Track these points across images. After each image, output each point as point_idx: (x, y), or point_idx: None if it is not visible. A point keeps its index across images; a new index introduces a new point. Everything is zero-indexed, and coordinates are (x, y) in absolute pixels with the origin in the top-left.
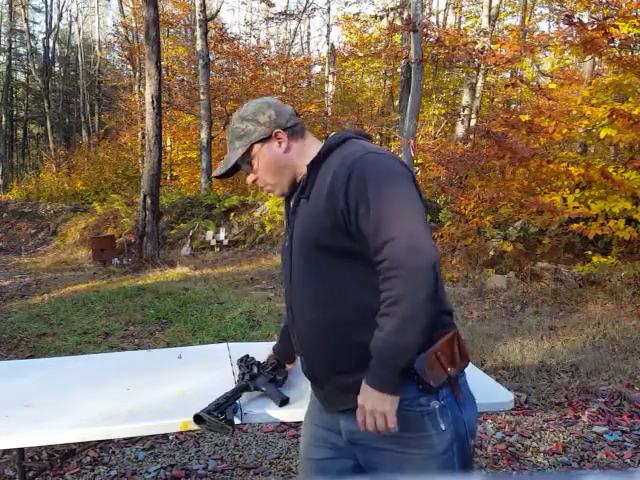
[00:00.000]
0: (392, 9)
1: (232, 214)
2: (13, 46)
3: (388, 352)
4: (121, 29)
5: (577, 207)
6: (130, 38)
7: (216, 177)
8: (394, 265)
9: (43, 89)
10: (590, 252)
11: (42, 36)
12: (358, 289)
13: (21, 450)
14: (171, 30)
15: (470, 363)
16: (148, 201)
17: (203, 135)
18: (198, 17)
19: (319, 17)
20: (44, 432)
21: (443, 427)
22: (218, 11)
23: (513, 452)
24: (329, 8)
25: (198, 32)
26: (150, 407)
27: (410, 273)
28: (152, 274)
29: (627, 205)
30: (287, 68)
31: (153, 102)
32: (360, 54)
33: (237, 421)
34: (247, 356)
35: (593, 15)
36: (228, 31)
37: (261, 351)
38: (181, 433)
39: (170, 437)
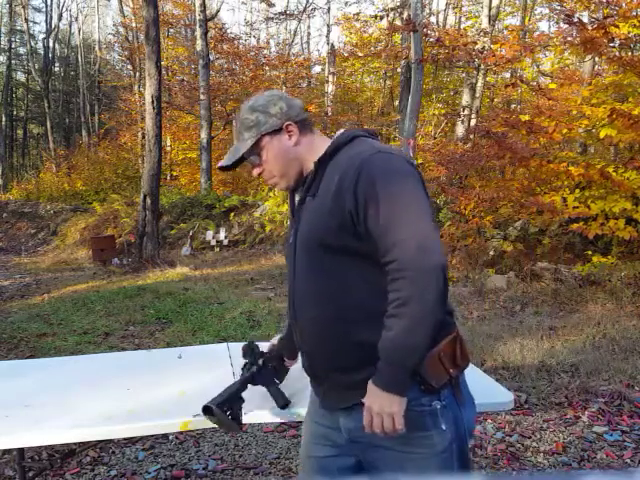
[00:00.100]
0: (392, 9)
1: (232, 214)
2: (13, 46)
3: (397, 353)
4: (121, 29)
5: (577, 207)
6: (130, 38)
7: (221, 168)
8: (403, 266)
9: (43, 89)
10: (590, 252)
11: (42, 36)
12: (362, 288)
13: (21, 450)
14: (171, 30)
15: (470, 363)
16: (148, 201)
17: (203, 135)
18: (198, 17)
19: (319, 17)
20: (44, 432)
21: (444, 427)
22: (218, 11)
23: (513, 452)
24: (329, 8)
25: (198, 32)
26: (150, 407)
27: (419, 274)
28: (152, 274)
29: (627, 205)
30: (287, 68)
31: (153, 102)
32: (360, 54)
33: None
34: (254, 344)
35: (593, 15)
36: (228, 31)
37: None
38: (181, 433)
39: (170, 437)
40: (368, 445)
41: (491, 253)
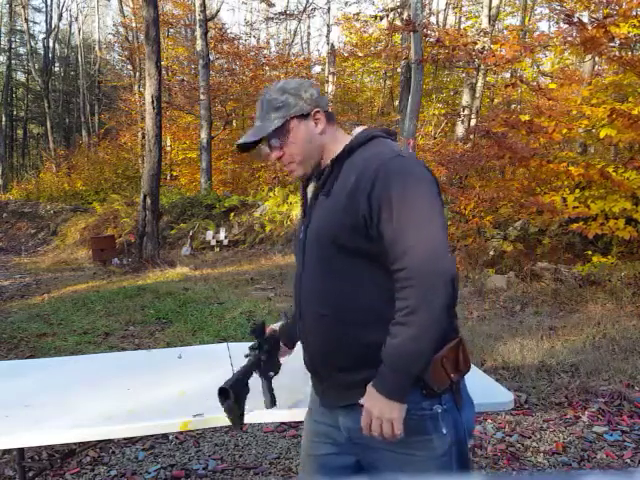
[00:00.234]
0: (392, 9)
1: (232, 214)
2: (13, 46)
3: (402, 360)
4: (121, 29)
5: (577, 207)
6: (130, 38)
7: (239, 146)
8: (411, 275)
9: (43, 89)
10: (590, 252)
11: (42, 36)
12: (373, 291)
13: (21, 450)
14: (171, 30)
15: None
16: (148, 201)
17: (203, 135)
18: (198, 17)
19: (319, 17)
20: (44, 432)
21: (444, 431)
22: (218, 11)
23: (513, 452)
24: (329, 8)
25: (198, 32)
26: (150, 407)
27: (427, 283)
28: (152, 274)
29: (627, 205)
30: (287, 68)
31: (153, 102)
32: (360, 54)
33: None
34: (264, 325)
35: (593, 15)
36: (228, 31)
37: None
38: (181, 433)
39: (170, 437)
40: (367, 446)
41: (491, 253)
